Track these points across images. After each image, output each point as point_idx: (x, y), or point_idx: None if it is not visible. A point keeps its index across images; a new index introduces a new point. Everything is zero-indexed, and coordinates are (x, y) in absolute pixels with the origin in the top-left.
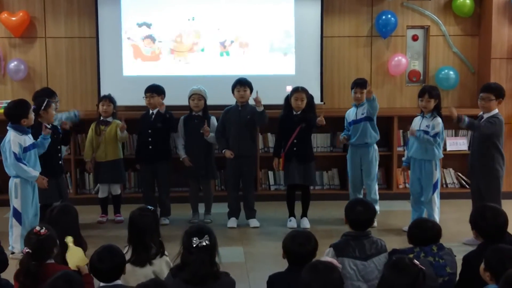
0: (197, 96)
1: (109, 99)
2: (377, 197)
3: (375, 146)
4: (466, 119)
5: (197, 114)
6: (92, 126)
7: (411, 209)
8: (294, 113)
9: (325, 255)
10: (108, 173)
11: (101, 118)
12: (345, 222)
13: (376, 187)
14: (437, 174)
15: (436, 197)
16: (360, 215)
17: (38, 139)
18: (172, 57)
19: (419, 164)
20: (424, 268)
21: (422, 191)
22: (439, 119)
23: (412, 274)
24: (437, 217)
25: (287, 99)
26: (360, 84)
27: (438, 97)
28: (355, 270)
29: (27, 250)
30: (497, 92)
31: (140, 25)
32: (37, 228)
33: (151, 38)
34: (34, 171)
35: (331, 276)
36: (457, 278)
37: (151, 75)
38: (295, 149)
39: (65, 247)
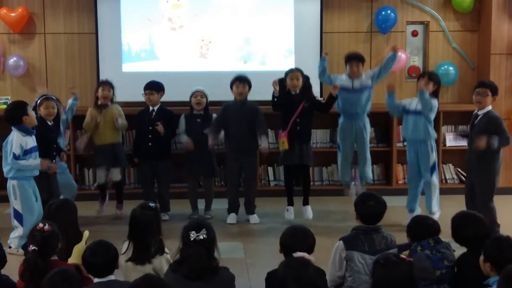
0: (200, 93)
1: (109, 84)
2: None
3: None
4: (495, 141)
5: (199, 113)
6: (89, 110)
7: (408, 186)
8: (293, 93)
9: (335, 248)
10: (107, 157)
11: (99, 103)
12: (356, 217)
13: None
14: (434, 156)
15: (435, 179)
16: (371, 209)
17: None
18: (171, 53)
19: (414, 146)
20: (411, 259)
21: (419, 170)
22: (436, 101)
23: (405, 269)
24: (435, 202)
25: (282, 81)
26: (355, 57)
27: (438, 83)
28: (363, 264)
29: (33, 248)
30: (493, 89)
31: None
32: (40, 225)
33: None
34: (34, 161)
35: (303, 271)
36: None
37: (150, 71)
38: (298, 128)
39: (68, 241)
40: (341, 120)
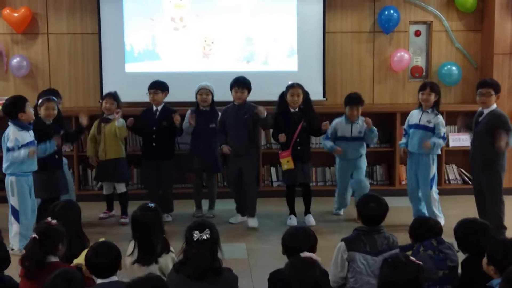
0: (205, 91)
1: (113, 96)
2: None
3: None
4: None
5: (205, 109)
6: (95, 123)
7: (410, 203)
8: (292, 111)
9: (336, 249)
10: (110, 172)
11: (104, 115)
12: (357, 218)
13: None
14: (434, 169)
15: (434, 192)
16: (373, 211)
17: (41, 146)
18: (174, 53)
19: (417, 159)
20: (420, 263)
21: (419, 185)
22: (441, 118)
23: (412, 271)
24: (438, 212)
25: (282, 96)
26: (355, 100)
27: (439, 93)
28: (365, 265)
29: (34, 236)
30: (495, 87)
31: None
32: (49, 219)
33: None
34: (22, 150)
35: (310, 272)
36: (459, 273)
37: (153, 72)
38: (299, 148)
39: (70, 242)
40: (337, 161)
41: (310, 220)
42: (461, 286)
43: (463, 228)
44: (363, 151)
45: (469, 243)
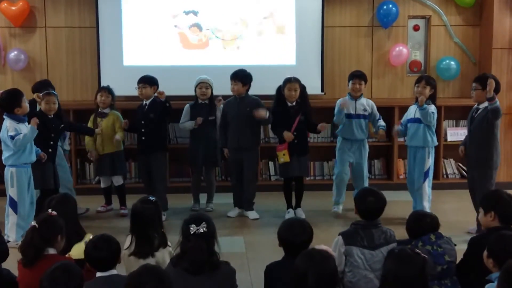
0: (205, 84)
1: (108, 90)
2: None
3: (366, 140)
4: (497, 103)
5: (204, 102)
6: (91, 117)
7: (411, 196)
8: (289, 104)
9: (334, 243)
10: (108, 166)
11: (99, 109)
12: (355, 212)
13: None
14: (430, 162)
15: (427, 185)
16: (371, 205)
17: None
18: (172, 47)
19: (414, 152)
20: (426, 256)
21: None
22: (433, 106)
23: (418, 264)
24: (426, 206)
25: (279, 90)
26: (359, 76)
27: (434, 87)
28: (362, 259)
29: (33, 224)
30: (482, 82)
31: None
32: (49, 210)
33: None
34: (25, 128)
35: (326, 265)
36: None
37: (151, 65)
38: (295, 141)
39: (67, 235)
40: (339, 141)
41: (300, 213)
42: (462, 268)
43: (489, 196)
44: (367, 131)
45: (495, 208)
